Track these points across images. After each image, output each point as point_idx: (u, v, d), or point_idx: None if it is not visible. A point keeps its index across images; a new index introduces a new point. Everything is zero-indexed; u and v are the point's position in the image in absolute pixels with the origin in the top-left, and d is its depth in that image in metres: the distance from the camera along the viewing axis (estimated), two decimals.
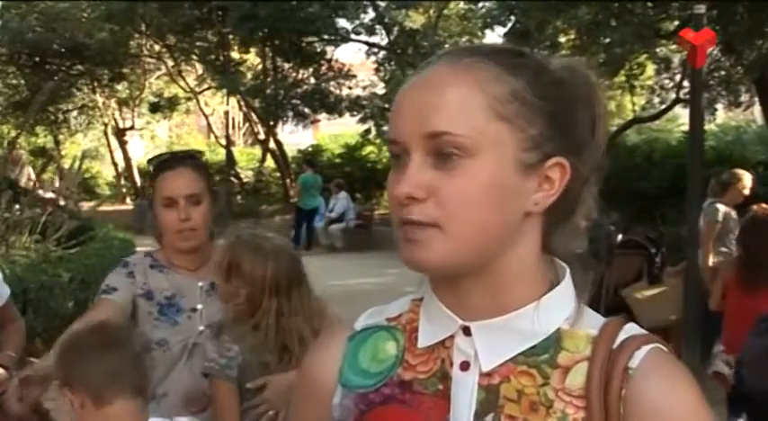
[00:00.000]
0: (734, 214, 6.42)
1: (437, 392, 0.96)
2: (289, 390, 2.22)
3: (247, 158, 23.04)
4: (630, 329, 0.96)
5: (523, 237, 0.94)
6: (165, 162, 2.43)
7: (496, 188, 0.89)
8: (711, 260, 6.32)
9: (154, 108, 24.50)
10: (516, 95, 0.90)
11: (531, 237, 0.95)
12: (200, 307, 2.39)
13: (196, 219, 2.35)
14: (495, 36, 17.23)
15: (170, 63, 22.07)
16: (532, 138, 0.91)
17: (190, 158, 2.45)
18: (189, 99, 23.82)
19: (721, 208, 6.38)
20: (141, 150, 28.46)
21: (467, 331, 0.95)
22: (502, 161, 0.89)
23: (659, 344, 0.94)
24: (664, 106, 15.24)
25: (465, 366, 0.95)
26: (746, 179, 6.57)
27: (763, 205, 5.50)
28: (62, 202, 9.26)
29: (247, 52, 20.45)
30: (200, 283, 2.40)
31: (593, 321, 0.96)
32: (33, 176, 14.03)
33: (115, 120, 24.39)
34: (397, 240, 0.93)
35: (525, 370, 0.93)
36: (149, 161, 2.57)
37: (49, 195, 9.49)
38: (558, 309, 0.95)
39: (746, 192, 6.52)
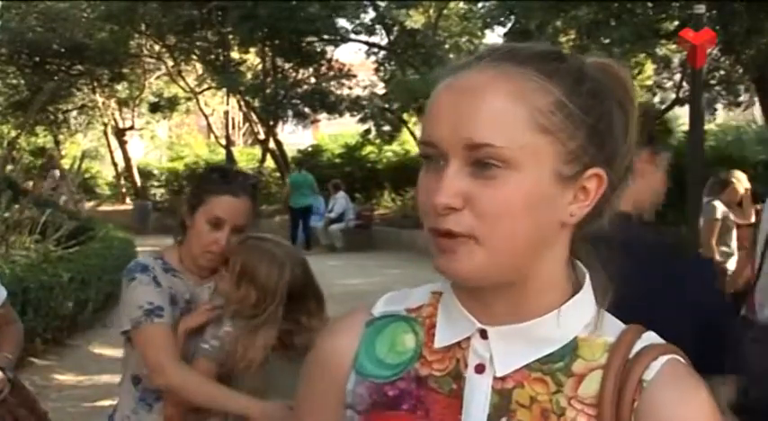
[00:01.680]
0: (731, 214, 6.42)
1: (451, 392, 0.95)
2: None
3: (247, 158, 23.03)
4: (648, 338, 0.94)
5: (555, 247, 0.93)
6: (231, 184, 2.29)
7: (535, 200, 0.88)
8: (717, 258, 6.31)
9: (154, 108, 24.50)
10: (559, 106, 0.89)
11: (562, 247, 0.94)
12: None
13: (225, 245, 2.28)
14: (495, 36, 17.30)
15: (170, 63, 22.07)
16: (573, 151, 0.89)
17: (252, 187, 2.35)
18: (189, 99, 23.82)
19: (719, 206, 6.37)
20: (141, 150, 28.46)
21: (484, 334, 0.94)
22: (541, 174, 0.88)
23: (677, 355, 0.93)
24: (663, 106, 15.25)
25: (480, 369, 0.94)
26: (743, 179, 6.58)
27: None
28: (63, 198, 9.30)
29: (247, 52, 20.46)
30: (208, 285, 2.39)
31: (612, 328, 0.95)
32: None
33: (115, 120, 24.37)
34: (430, 247, 0.91)
35: (539, 377, 0.92)
36: (210, 170, 2.45)
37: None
38: (577, 316, 0.94)
39: (742, 190, 6.52)
